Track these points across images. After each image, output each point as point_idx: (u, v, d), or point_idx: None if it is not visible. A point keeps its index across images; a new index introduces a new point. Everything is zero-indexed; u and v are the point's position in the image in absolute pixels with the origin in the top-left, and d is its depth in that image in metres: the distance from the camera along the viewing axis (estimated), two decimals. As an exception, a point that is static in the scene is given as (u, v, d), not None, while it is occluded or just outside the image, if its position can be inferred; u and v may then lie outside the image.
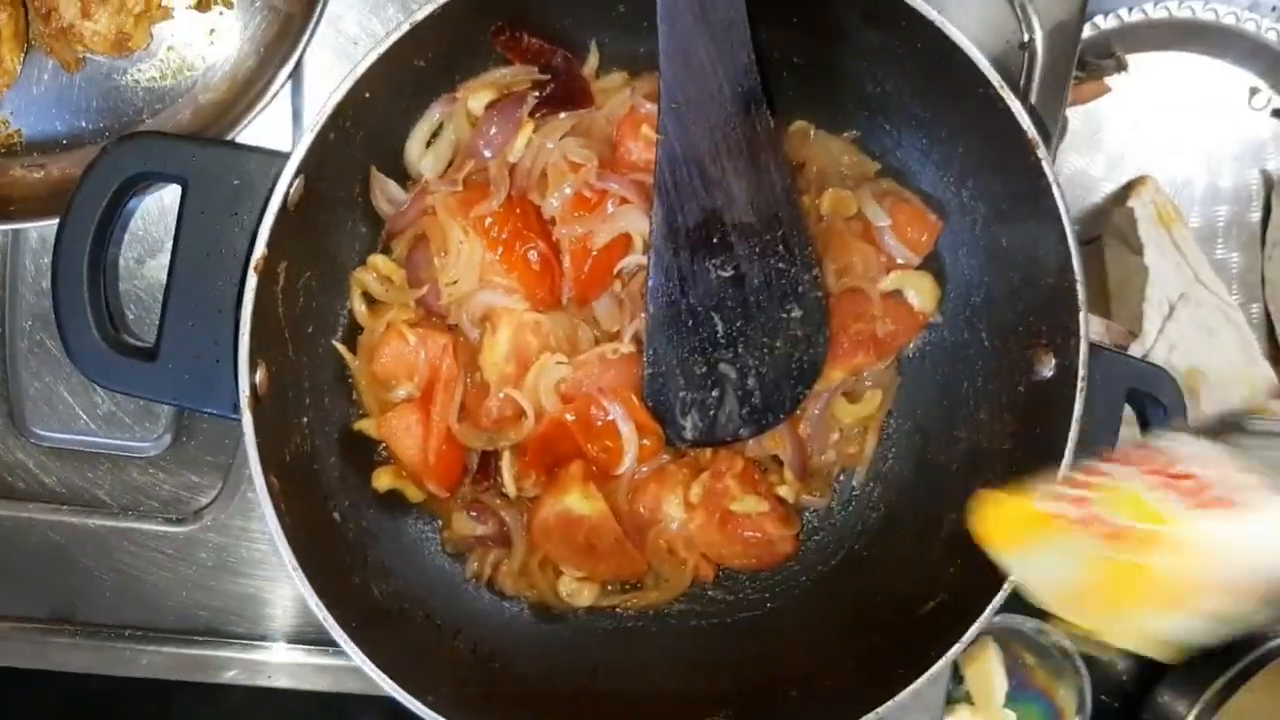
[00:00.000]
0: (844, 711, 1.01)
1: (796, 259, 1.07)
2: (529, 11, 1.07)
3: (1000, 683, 1.64)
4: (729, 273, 1.06)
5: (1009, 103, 0.98)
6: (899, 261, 1.14)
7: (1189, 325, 1.51)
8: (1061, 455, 1.00)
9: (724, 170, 1.02)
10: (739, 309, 1.07)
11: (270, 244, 0.94)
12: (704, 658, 1.15)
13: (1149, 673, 1.72)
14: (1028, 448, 1.06)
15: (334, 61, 1.17)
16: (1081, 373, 1.00)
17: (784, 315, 1.08)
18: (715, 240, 1.04)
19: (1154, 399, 1.06)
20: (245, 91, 1.15)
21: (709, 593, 1.19)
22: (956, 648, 1.00)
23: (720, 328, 1.07)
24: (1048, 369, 1.04)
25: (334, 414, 1.11)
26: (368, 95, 0.98)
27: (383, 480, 1.12)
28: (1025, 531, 0.83)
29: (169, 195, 1.17)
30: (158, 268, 1.18)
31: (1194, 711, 1.64)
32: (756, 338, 1.08)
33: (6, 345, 1.19)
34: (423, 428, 1.09)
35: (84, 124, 1.16)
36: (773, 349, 1.09)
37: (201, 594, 1.24)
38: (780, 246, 1.06)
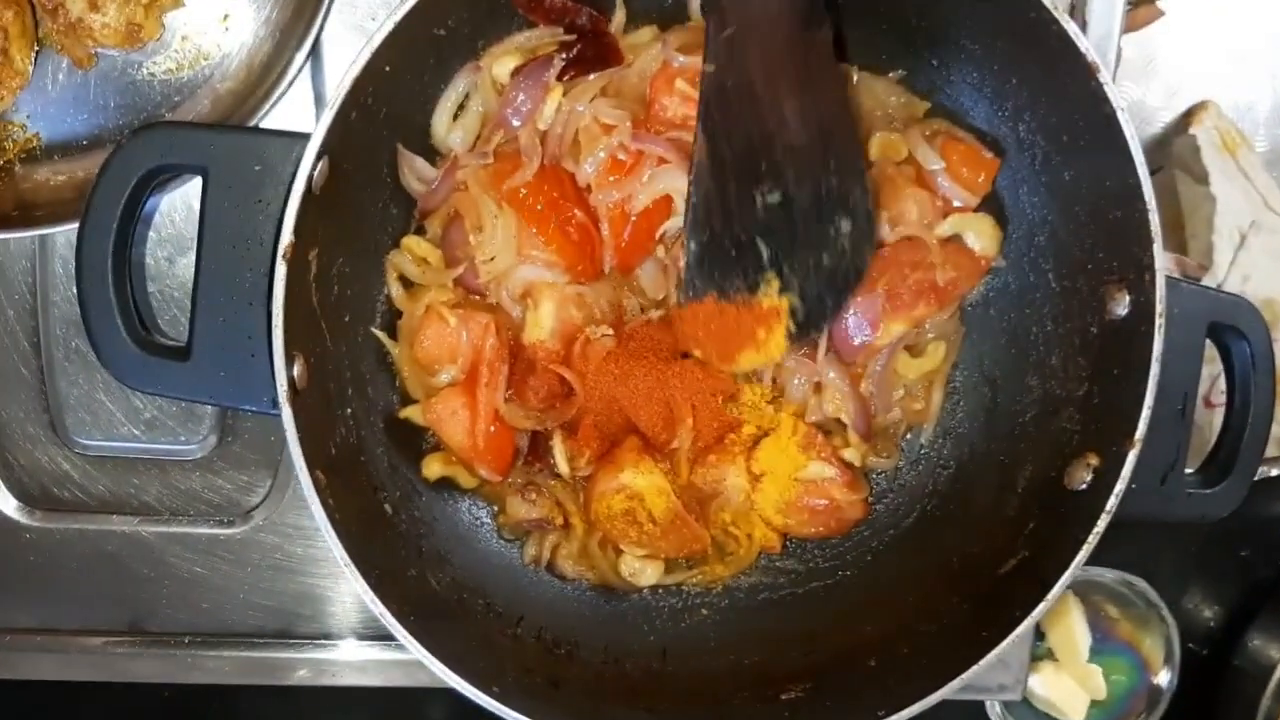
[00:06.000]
0: (926, 679, 0.97)
1: (849, 170, 0.99)
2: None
3: (1084, 638, 1.60)
4: (776, 198, 0.99)
5: (1064, 25, 0.93)
6: (956, 204, 1.08)
7: (1262, 254, 1.46)
8: (1142, 397, 0.95)
9: (777, 92, 0.97)
10: (786, 232, 1.00)
11: (297, 230, 0.90)
12: (776, 631, 1.11)
13: (1238, 618, 1.68)
14: (1105, 391, 1.01)
15: (353, 39, 1.14)
16: (1159, 308, 0.94)
17: (833, 230, 1.00)
18: (763, 167, 0.98)
19: (1236, 331, 1.01)
20: (264, 77, 1.12)
21: (777, 564, 1.15)
22: (1042, 606, 0.96)
23: (765, 253, 1.00)
24: (1122, 307, 0.99)
25: (378, 403, 1.08)
26: (388, 69, 0.94)
27: (433, 468, 1.09)
28: None
29: (196, 191, 1.14)
30: (189, 266, 1.14)
31: (1289, 653, 1.60)
32: (803, 257, 1.00)
33: (43, 354, 1.17)
34: (469, 411, 1.06)
35: (104, 122, 1.13)
36: (819, 264, 1.01)
37: (261, 595, 1.22)
38: (832, 161, 0.99)
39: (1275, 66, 1.52)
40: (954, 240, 1.09)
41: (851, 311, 1.07)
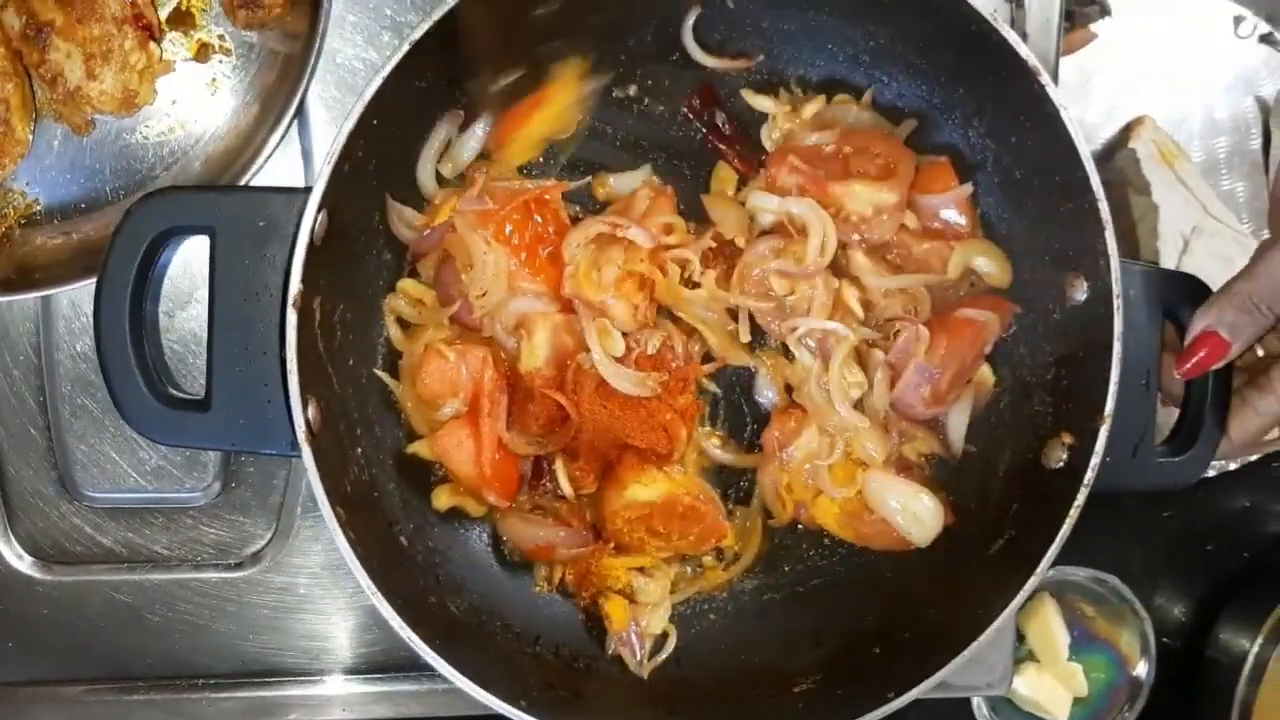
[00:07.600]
0: (932, 657, 1.01)
1: None
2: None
3: (1062, 637, 1.63)
4: None
5: (1004, 34, 0.99)
6: (948, 220, 1.13)
7: (1205, 256, 1.51)
8: (1108, 375, 1.00)
9: None
10: None
11: (304, 279, 0.94)
12: (783, 629, 1.15)
13: (1208, 610, 1.71)
14: (1072, 373, 1.07)
15: (337, 96, 1.18)
16: (1116, 289, 1.00)
17: None
18: None
19: (1189, 305, 1.06)
20: (252, 137, 1.16)
21: (781, 565, 1.19)
22: (1032, 581, 1.00)
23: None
24: (1081, 293, 1.04)
25: (386, 441, 1.11)
26: (376, 122, 0.98)
27: (442, 499, 1.12)
28: None
29: (190, 249, 1.18)
30: (188, 319, 1.19)
31: (1256, 643, 1.63)
32: None
33: (50, 412, 1.19)
34: (474, 441, 1.09)
35: (100, 186, 1.17)
36: None
37: (269, 635, 1.24)
38: None
39: (1203, 81, 1.59)
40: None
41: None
